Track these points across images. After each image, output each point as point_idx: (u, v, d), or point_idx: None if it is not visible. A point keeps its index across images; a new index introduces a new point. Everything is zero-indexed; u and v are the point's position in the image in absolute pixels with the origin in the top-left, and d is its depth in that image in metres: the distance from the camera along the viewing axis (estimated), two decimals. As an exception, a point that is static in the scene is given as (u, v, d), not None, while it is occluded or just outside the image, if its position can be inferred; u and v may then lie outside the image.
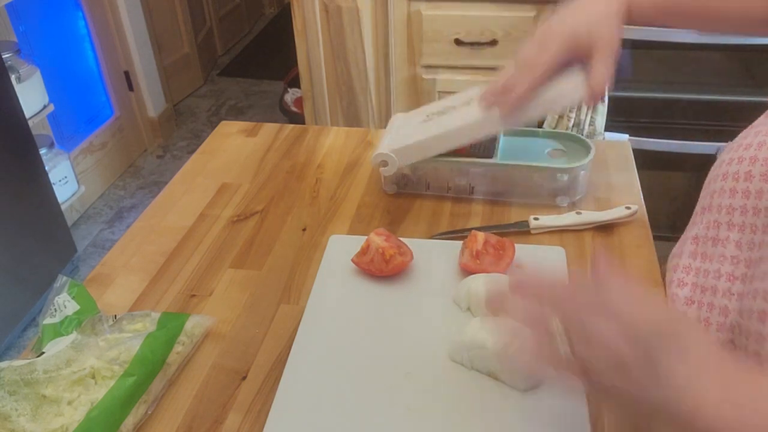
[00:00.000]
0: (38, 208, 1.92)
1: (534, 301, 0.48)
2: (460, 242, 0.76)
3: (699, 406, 0.41)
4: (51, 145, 2.11)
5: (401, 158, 0.85)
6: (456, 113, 0.84)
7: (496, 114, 0.75)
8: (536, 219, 0.81)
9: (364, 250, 0.73)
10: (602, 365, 0.45)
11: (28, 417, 0.56)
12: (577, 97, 0.72)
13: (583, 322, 0.45)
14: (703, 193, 0.68)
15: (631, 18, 0.71)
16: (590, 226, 0.81)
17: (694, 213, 0.69)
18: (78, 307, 0.67)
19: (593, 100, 0.72)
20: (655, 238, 0.81)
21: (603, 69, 0.70)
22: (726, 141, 0.68)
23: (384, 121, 2.00)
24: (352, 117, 2.10)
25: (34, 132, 1.89)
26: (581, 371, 0.46)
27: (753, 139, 0.62)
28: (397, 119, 0.94)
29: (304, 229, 0.85)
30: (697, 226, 0.67)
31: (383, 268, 0.72)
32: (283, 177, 0.96)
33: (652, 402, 0.43)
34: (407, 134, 0.87)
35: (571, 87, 0.73)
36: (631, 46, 1.78)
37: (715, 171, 0.66)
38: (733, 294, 0.60)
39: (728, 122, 1.68)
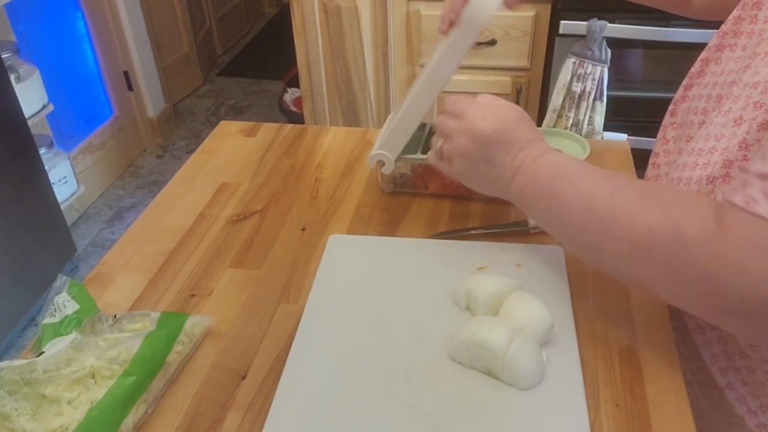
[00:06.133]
0: (38, 208, 1.92)
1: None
2: (460, 242, 0.76)
3: (522, 187, 0.65)
4: (50, 145, 2.11)
5: (392, 149, 0.84)
6: (423, 73, 0.83)
7: (447, 38, 0.79)
8: (535, 218, 0.81)
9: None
10: (453, 154, 0.69)
11: (28, 416, 0.56)
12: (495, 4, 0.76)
13: (443, 123, 0.70)
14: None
15: None
16: (589, 225, 0.81)
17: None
18: (78, 307, 0.67)
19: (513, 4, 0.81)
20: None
21: None
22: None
23: (383, 120, 2.00)
24: (351, 116, 2.10)
25: (33, 132, 1.89)
26: (444, 160, 0.71)
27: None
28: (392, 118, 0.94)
29: (303, 229, 0.85)
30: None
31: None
32: (282, 177, 0.96)
33: (488, 180, 0.67)
34: (391, 125, 0.86)
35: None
36: (632, 45, 1.78)
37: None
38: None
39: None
